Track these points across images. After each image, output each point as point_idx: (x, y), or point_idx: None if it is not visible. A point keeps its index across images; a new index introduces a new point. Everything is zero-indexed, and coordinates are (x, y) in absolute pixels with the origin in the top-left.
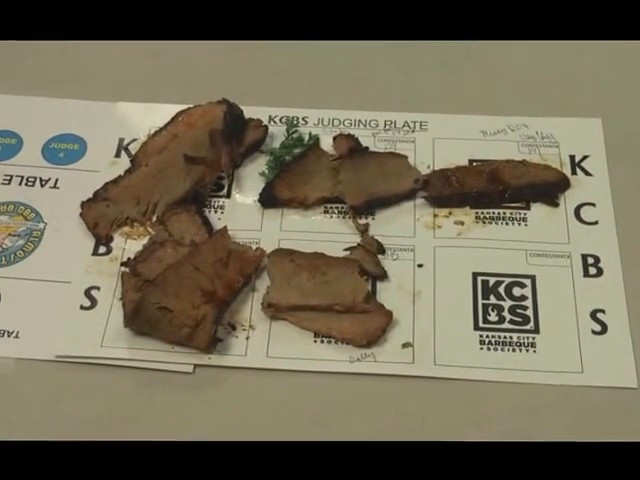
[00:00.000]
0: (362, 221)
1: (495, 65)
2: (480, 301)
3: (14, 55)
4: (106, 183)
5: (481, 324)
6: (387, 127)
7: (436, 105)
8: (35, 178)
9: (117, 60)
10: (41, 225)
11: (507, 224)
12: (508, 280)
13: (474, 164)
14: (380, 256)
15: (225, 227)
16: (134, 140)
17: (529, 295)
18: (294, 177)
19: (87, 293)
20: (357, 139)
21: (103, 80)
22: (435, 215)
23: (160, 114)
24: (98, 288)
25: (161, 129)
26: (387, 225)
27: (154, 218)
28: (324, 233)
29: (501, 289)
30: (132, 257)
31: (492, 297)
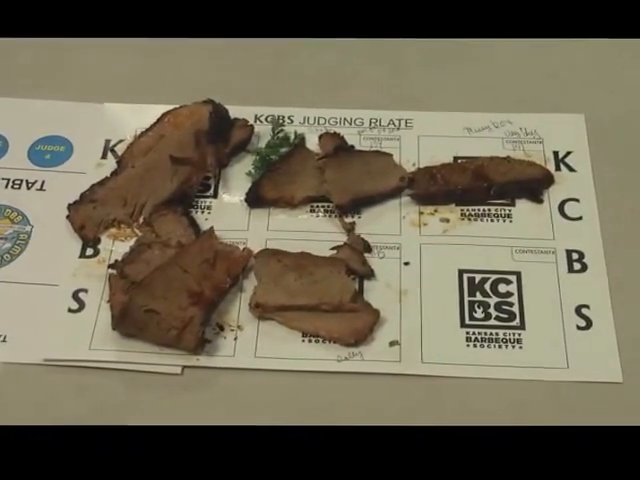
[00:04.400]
0: (348, 220)
1: (479, 62)
2: (466, 298)
3: None
4: (93, 185)
5: (467, 321)
6: (372, 125)
7: (421, 103)
8: (21, 180)
9: (102, 61)
10: (28, 228)
11: (492, 221)
12: (494, 277)
13: (459, 161)
14: (367, 255)
15: (212, 228)
16: (120, 141)
17: (515, 291)
18: (280, 176)
19: (75, 296)
20: (343, 138)
21: (89, 81)
22: (421, 213)
23: (146, 115)
24: (86, 291)
25: (147, 130)
26: (373, 223)
27: (141, 219)
28: (311, 232)
29: (487, 286)
30: (119, 259)
31: (478, 294)
